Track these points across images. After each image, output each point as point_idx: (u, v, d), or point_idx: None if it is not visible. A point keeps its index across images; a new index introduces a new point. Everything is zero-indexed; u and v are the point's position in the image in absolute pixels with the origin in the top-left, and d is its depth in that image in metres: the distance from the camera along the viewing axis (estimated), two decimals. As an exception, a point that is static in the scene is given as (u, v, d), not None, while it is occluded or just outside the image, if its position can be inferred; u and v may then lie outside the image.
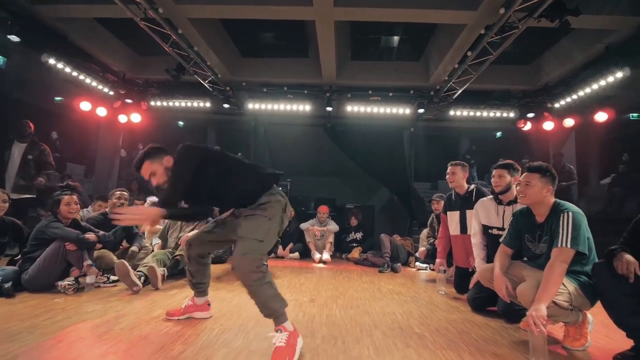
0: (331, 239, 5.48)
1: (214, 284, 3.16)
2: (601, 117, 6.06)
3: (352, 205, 6.82)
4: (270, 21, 4.73)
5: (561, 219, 1.95)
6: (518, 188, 2.21)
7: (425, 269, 4.69)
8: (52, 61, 4.93)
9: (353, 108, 6.55)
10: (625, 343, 1.74)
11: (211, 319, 2.19)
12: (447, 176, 3.34)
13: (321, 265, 4.88)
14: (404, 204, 7.18)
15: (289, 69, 6.23)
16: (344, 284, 3.50)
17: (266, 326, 1.85)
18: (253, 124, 8.09)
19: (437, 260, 3.50)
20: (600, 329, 2.03)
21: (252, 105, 6.68)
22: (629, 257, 1.68)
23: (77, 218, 3.17)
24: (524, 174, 2.19)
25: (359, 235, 5.77)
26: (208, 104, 6.86)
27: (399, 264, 4.68)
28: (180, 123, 9.32)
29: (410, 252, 5.28)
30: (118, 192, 3.56)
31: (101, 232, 3.16)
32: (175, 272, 3.35)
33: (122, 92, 6.69)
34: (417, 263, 4.89)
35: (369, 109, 6.56)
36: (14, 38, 4.38)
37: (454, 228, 3.33)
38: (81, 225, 3.14)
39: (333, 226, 5.61)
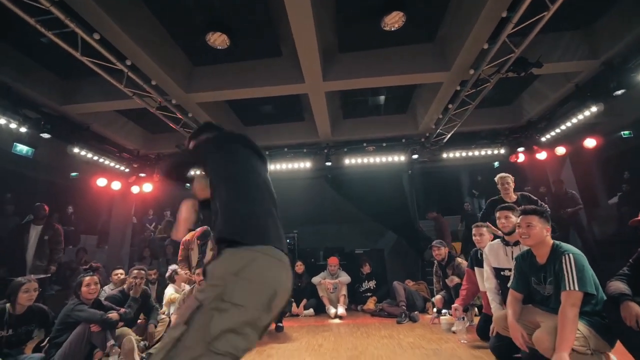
0: (344, 291, 5.40)
1: None
2: (590, 143, 6.13)
3: (361, 250, 6.82)
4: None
5: (563, 261, 2.01)
6: (519, 230, 2.25)
7: (444, 315, 4.61)
8: (76, 150, 5.41)
9: (351, 160, 6.86)
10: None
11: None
12: (474, 237, 3.42)
13: (337, 320, 4.80)
14: (411, 246, 7.18)
15: (287, 132, 6.64)
16: (363, 341, 3.49)
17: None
18: (257, 183, 8.40)
19: (454, 305, 3.52)
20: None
21: (256, 168, 6.99)
22: (635, 307, 1.72)
23: (98, 298, 3.29)
24: (521, 217, 2.26)
25: (372, 284, 5.71)
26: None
27: (416, 312, 4.63)
28: (187, 185, 9.72)
29: (426, 298, 5.20)
30: (135, 271, 3.64)
31: (122, 310, 3.25)
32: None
33: (135, 166, 7.13)
34: (435, 312, 4.76)
35: (365, 160, 6.85)
36: (46, 135, 4.88)
37: (481, 283, 3.31)
38: (103, 304, 3.22)
39: (345, 277, 5.56)
